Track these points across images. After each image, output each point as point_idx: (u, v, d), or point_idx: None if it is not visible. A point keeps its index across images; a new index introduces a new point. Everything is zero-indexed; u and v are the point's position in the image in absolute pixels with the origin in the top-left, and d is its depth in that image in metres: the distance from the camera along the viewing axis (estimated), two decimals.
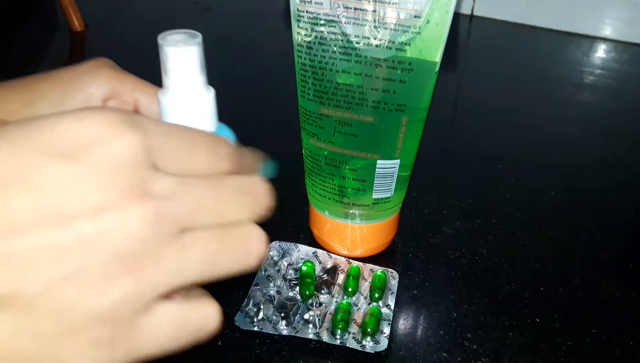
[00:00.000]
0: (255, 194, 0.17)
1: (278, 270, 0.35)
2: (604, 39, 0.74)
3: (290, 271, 0.35)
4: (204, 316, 0.17)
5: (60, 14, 0.70)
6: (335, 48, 0.29)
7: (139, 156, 0.14)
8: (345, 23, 0.28)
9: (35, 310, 0.13)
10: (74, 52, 0.69)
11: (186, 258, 0.15)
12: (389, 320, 0.32)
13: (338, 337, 0.31)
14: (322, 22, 0.29)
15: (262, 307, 0.32)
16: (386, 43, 0.28)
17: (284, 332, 0.31)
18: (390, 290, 0.34)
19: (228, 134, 0.20)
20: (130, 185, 0.14)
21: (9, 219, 0.13)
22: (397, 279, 0.35)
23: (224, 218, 0.16)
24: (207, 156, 0.16)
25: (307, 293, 0.33)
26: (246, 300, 0.33)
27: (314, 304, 0.33)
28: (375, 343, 0.31)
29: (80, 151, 0.14)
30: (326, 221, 0.36)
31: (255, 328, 0.31)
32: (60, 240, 0.13)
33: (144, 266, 0.14)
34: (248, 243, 0.17)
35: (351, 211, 0.35)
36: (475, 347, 0.32)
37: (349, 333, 0.31)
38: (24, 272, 0.13)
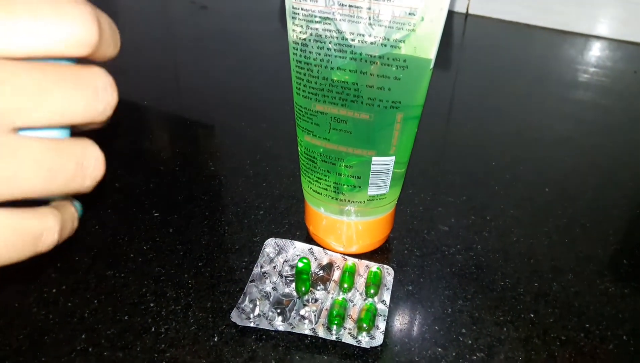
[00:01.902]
0: (94, 88, 0.15)
1: (274, 267, 0.35)
2: (598, 37, 0.75)
3: (286, 268, 0.35)
4: (41, 227, 0.15)
5: None
6: (330, 45, 0.29)
7: None
8: (340, 20, 0.29)
9: None
10: None
11: (17, 166, 0.14)
12: (384, 315, 0.32)
13: (334, 332, 0.31)
14: (317, 19, 0.29)
15: (258, 303, 0.33)
16: (381, 40, 0.28)
17: (280, 328, 0.31)
18: (385, 286, 0.34)
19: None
20: None
21: None
22: (393, 275, 0.35)
23: (54, 116, 0.14)
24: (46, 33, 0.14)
25: (303, 289, 0.34)
26: (242, 296, 0.33)
27: (310, 300, 0.33)
28: (370, 339, 0.31)
29: None
30: (322, 218, 0.36)
31: (251, 324, 0.32)
32: None
33: None
34: (84, 162, 0.15)
35: (347, 207, 0.35)
36: (470, 342, 0.32)
37: (345, 328, 0.32)
38: None
